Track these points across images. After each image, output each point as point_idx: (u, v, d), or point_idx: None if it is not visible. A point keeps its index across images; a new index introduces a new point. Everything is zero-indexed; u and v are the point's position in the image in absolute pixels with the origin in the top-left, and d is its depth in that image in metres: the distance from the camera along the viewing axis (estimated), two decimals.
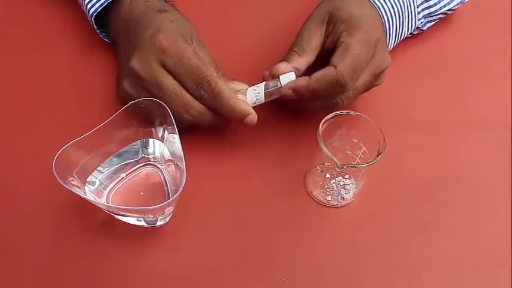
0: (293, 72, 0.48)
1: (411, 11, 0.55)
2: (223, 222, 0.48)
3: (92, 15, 0.52)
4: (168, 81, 0.47)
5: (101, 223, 0.47)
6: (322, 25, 0.50)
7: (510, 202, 0.51)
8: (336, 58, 0.47)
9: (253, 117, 0.48)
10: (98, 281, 0.45)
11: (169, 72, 0.47)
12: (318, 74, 0.47)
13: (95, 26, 0.54)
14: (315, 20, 0.50)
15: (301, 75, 0.49)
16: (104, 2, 0.52)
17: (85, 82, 0.56)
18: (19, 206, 0.48)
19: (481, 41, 0.63)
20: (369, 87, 0.50)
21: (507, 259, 0.47)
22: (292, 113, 0.54)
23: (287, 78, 0.48)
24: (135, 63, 0.47)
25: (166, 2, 0.53)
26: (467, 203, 0.51)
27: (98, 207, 0.44)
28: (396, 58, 0.60)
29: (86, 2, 0.52)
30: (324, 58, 0.49)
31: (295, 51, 0.49)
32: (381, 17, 0.51)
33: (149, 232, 0.47)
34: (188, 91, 0.47)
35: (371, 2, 0.51)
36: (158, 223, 0.46)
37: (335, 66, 0.46)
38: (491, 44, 0.63)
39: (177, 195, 0.41)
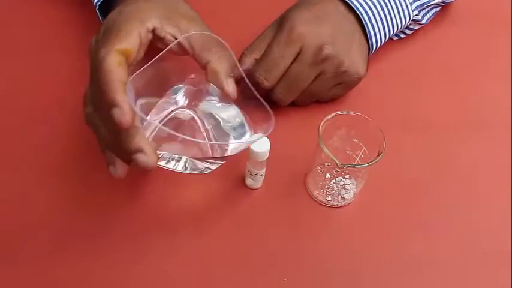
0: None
1: (400, 2, 0.55)
2: (223, 222, 0.48)
3: (96, 5, 0.52)
4: None
5: (101, 223, 0.47)
6: (274, 28, 0.53)
7: (510, 202, 0.51)
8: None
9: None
10: (98, 281, 0.45)
11: None
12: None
13: (100, 17, 0.53)
14: (273, 23, 0.53)
15: None
16: None
17: (85, 82, 0.56)
18: (19, 205, 0.48)
19: (481, 40, 0.63)
20: (321, 78, 0.51)
21: (507, 259, 0.47)
22: (292, 113, 0.54)
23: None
24: None
25: None
26: (467, 202, 0.51)
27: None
28: (396, 57, 0.60)
29: None
30: None
31: (244, 53, 0.52)
32: (356, 9, 0.52)
33: (149, 232, 0.47)
34: None
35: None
36: (206, 170, 0.43)
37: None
38: (491, 43, 0.64)
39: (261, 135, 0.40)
